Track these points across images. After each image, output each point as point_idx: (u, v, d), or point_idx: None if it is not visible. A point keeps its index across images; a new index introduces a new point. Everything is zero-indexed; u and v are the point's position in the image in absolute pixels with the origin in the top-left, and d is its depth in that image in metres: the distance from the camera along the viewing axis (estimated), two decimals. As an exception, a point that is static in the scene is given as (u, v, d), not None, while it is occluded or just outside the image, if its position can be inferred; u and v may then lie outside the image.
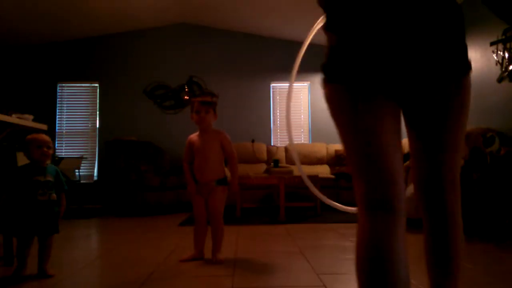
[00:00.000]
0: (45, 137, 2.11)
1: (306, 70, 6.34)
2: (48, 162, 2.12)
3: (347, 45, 0.86)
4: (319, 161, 5.82)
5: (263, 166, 5.76)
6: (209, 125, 2.36)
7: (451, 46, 0.85)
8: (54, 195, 2.05)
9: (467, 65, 0.97)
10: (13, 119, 3.14)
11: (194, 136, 2.39)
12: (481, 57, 3.95)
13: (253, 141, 5.89)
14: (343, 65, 0.87)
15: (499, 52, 3.62)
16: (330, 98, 0.94)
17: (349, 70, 0.85)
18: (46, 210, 2.01)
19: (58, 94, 6.14)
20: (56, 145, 6.05)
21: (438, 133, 0.91)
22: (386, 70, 0.83)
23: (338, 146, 5.84)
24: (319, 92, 6.33)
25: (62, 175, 2.21)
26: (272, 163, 5.50)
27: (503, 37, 3.56)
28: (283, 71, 6.34)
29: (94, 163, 6.08)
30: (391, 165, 0.84)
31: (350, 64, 0.85)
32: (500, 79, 3.62)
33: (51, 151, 2.10)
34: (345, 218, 4.07)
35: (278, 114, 6.40)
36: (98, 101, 6.17)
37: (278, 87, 6.42)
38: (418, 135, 0.93)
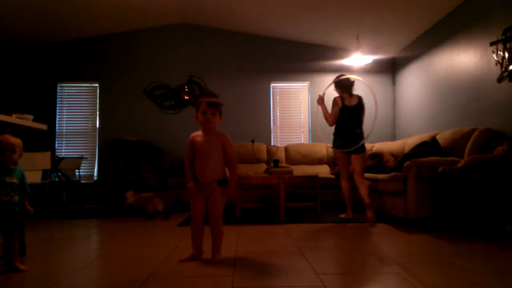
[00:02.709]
0: (11, 141, 2.13)
1: (306, 70, 6.37)
2: (13, 166, 2.17)
3: (344, 141, 3.87)
4: (319, 161, 5.82)
5: (263, 166, 5.76)
6: (214, 127, 2.33)
7: (360, 145, 3.84)
8: (16, 197, 2.13)
9: (364, 149, 3.93)
10: (13, 119, 3.14)
11: (197, 135, 2.36)
12: (481, 57, 3.95)
13: (253, 141, 5.89)
14: (342, 146, 3.88)
15: (499, 52, 3.62)
16: (335, 153, 4.02)
17: (342, 147, 3.89)
18: (7, 210, 2.09)
19: (58, 94, 6.15)
20: (56, 145, 6.05)
21: (357, 162, 3.88)
22: (349, 149, 3.83)
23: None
24: (319, 91, 6.31)
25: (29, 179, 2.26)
26: (272, 163, 5.50)
27: (503, 37, 3.56)
28: (283, 71, 6.36)
29: (94, 163, 6.08)
30: (346, 169, 3.98)
31: (342, 146, 3.88)
32: (500, 79, 3.62)
33: (14, 155, 2.13)
34: (345, 218, 4.07)
35: (278, 114, 6.40)
36: (98, 101, 6.17)
37: (278, 87, 6.42)
38: (352, 162, 3.92)
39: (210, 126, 2.30)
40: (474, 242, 2.74)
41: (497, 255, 2.40)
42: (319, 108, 4.04)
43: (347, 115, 3.90)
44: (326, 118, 4.00)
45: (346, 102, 3.91)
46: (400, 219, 3.62)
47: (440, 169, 3.26)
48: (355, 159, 3.87)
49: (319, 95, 4.05)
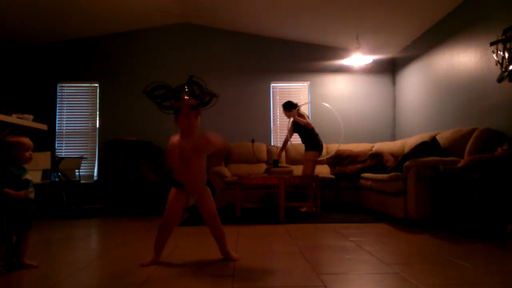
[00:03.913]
0: (30, 141, 2.23)
1: (306, 70, 6.37)
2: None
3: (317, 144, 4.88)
4: (319, 161, 5.81)
5: (263, 166, 5.76)
6: (196, 130, 2.28)
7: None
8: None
9: (309, 147, 4.88)
10: (13, 119, 3.15)
11: (177, 140, 2.27)
12: (481, 57, 3.95)
13: (253, 141, 5.89)
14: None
15: (499, 52, 3.62)
16: (317, 156, 4.81)
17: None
18: (29, 207, 2.17)
19: (58, 94, 6.15)
20: (56, 145, 6.05)
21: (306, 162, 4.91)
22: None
23: (338, 146, 5.83)
24: (319, 91, 6.33)
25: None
26: (272, 163, 5.50)
27: (503, 37, 3.56)
28: (283, 71, 6.35)
29: (94, 163, 6.08)
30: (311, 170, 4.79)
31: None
32: (500, 79, 3.62)
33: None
34: (345, 218, 4.07)
35: (278, 114, 6.40)
36: (98, 101, 6.17)
37: (278, 87, 6.42)
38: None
39: (193, 129, 2.25)
40: (474, 242, 2.74)
41: (497, 255, 2.40)
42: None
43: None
44: (308, 123, 4.82)
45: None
46: (400, 219, 3.62)
47: (441, 167, 3.26)
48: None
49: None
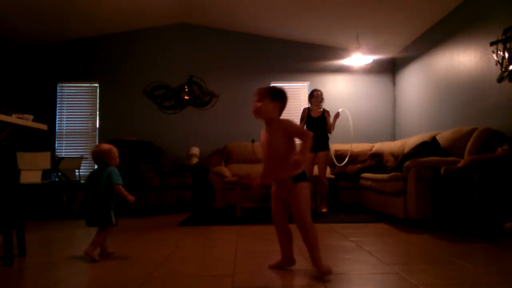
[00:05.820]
0: None
1: (306, 70, 6.37)
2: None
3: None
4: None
5: (263, 166, 5.75)
6: (265, 116, 2.04)
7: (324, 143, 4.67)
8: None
9: (327, 147, 4.66)
10: (13, 119, 3.14)
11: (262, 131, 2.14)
12: (481, 57, 3.95)
13: (253, 141, 5.88)
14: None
15: (499, 52, 3.62)
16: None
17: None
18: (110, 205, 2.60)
19: (58, 94, 6.14)
20: (56, 145, 6.05)
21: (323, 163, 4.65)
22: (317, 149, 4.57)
23: (338, 146, 5.83)
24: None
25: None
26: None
27: (503, 37, 3.56)
28: (283, 71, 6.35)
29: (94, 163, 6.08)
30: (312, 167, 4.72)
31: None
32: (500, 79, 3.62)
33: None
34: (345, 218, 4.07)
35: (278, 114, 6.39)
36: (98, 101, 6.17)
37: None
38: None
39: (257, 115, 2.05)
40: (474, 242, 2.74)
41: (497, 255, 2.40)
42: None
43: None
44: (331, 129, 4.75)
45: None
46: (400, 219, 3.62)
47: (442, 170, 3.26)
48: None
49: (338, 112, 4.77)
